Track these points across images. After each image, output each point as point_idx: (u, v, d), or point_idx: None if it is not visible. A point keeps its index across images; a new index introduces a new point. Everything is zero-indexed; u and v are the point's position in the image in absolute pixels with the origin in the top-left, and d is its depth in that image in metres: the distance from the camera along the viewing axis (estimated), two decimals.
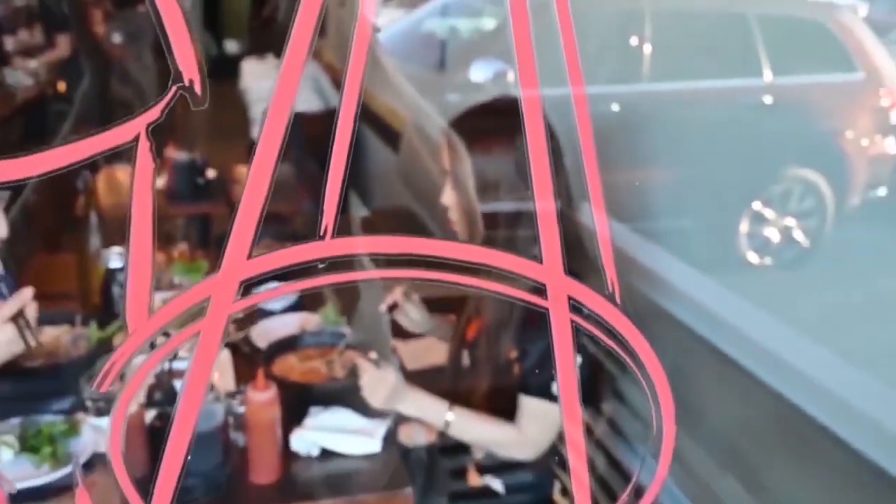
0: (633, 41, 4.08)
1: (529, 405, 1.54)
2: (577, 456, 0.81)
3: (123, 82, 4.45)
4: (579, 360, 1.49)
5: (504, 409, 1.58)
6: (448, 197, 1.51)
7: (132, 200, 0.69)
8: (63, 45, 3.67)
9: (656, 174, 3.04)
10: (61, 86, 3.98)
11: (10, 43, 3.79)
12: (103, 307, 1.84)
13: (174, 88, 0.66)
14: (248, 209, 0.69)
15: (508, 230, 1.46)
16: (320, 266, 0.73)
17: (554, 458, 1.69)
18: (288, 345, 1.68)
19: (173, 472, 0.74)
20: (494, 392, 1.62)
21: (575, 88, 0.76)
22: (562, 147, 1.41)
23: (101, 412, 1.48)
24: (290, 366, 1.63)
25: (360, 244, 0.72)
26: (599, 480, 1.66)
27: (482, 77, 3.52)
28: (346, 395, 1.54)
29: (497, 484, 1.69)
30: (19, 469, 1.36)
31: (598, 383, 1.61)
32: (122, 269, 1.81)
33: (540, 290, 0.80)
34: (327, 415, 1.53)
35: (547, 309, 0.76)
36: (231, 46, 6.61)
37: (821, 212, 4.04)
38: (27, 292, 1.35)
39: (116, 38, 4.61)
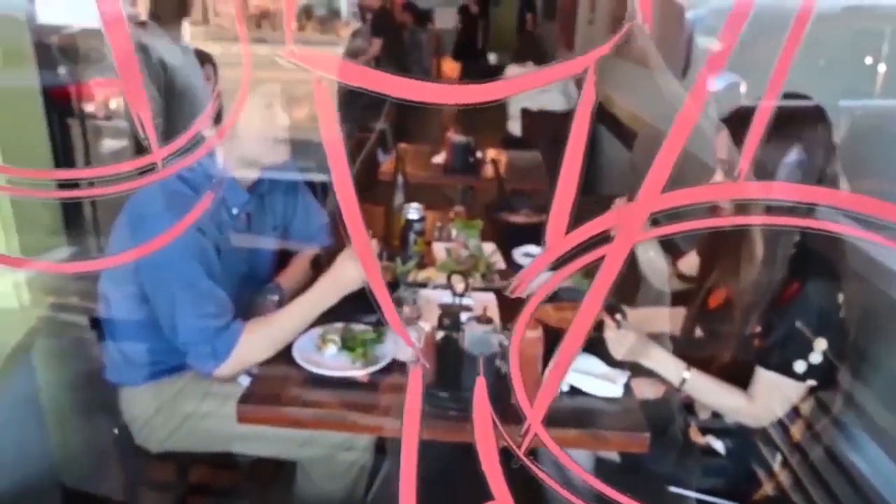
0: (868, 60, 3.49)
1: (768, 378, 1.36)
2: None
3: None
4: (824, 344, 1.29)
5: (732, 378, 1.42)
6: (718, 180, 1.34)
7: (573, 129, 0.64)
8: (376, 47, 3.90)
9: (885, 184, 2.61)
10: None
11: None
12: (402, 248, 1.89)
13: (627, 25, 0.61)
14: (666, 157, 0.61)
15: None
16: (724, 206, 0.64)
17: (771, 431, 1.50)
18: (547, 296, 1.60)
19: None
20: (728, 361, 1.44)
21: None
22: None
23: None
24: (548, 313, 1.56)
25: (763, 189, 0.62)
26: (811, 469, 1.46)
27: (716, 86, 3.21)
28: (593, 345, 1.44)
29: (719, 445, 1.52)
30: (340, 361, 1.41)
31: (834, 373, 1.38)
32: (418, 221, 1.90)
33: None
34: (576, 359, 1.44)
35: None
36: (493, 58, 6.80)
37: None
38: (373, 240, 1.40)
39: (409, 46, 4.84)
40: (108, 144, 3.27)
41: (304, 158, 1.60)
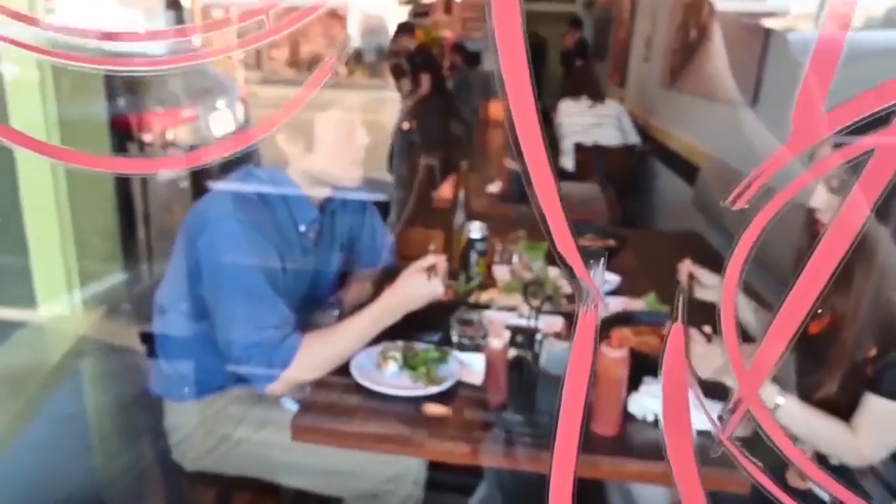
0: None
1: (879, 406, 1.19)
2: None
3: (457, 119, 4.76)
4: None
5: (833, 411, 1.26)
6: (819, 199, 1.22)
7: None
8: (426, 85, 3.92)
9: None
10: (411, 124, 4.32)
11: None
12: (463, 269, 1.81)
13: None
14: None
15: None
16: None
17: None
18: (623, 319, 1.52)
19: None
20: (833, 392, 1.28)
21: None
22: None
23: (463, 348, 1.43)
24: (626, 336, 1.45)
25: None
26: None
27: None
28: None
29: (823, 492, 1.34)
30: (401, 380, 1.33)
31: None
32: (480, 240, 1.81)
33: None
34: (661, 386, 1.30)
35: None
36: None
37: None
38: (440, 257, 1.40)
39: (457, 86, 4.88)
40: (164, 174, 3.32)
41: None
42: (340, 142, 1.39)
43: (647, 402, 1.28)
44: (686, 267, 1.56)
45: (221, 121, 3.98)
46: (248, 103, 4.33)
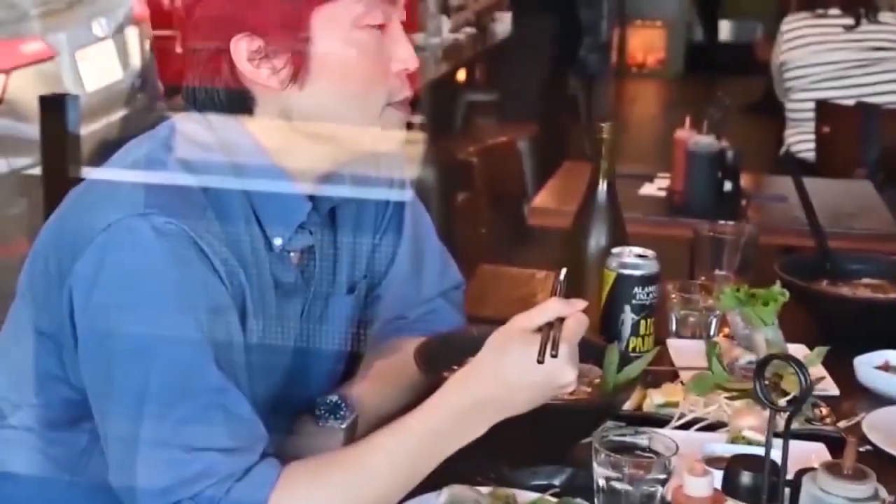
0: None
1: None
2: None
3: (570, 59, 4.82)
4: None
5: None
6: None
7: None
8: None
9: None
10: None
11: None
12: (609, 337, 1.68)
13: None
14: None
15: None
16: None
17: None
18: None
19: None
20: None
21: None
22: None
23: (616, 501, 1.28)
24: None
25: None
26: None
27: None
28: None
29: None
30: None
31: None
32: (644, 281, 1.72)
33: None
34: None
35: None
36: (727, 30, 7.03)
37: None
38: (573, 305, 1.30)
39: None
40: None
41: None
42: (363, 62, 1.32)
43: None
44: None
45: (99, 61, 3.95)
46: (145, 31, 4.13)
